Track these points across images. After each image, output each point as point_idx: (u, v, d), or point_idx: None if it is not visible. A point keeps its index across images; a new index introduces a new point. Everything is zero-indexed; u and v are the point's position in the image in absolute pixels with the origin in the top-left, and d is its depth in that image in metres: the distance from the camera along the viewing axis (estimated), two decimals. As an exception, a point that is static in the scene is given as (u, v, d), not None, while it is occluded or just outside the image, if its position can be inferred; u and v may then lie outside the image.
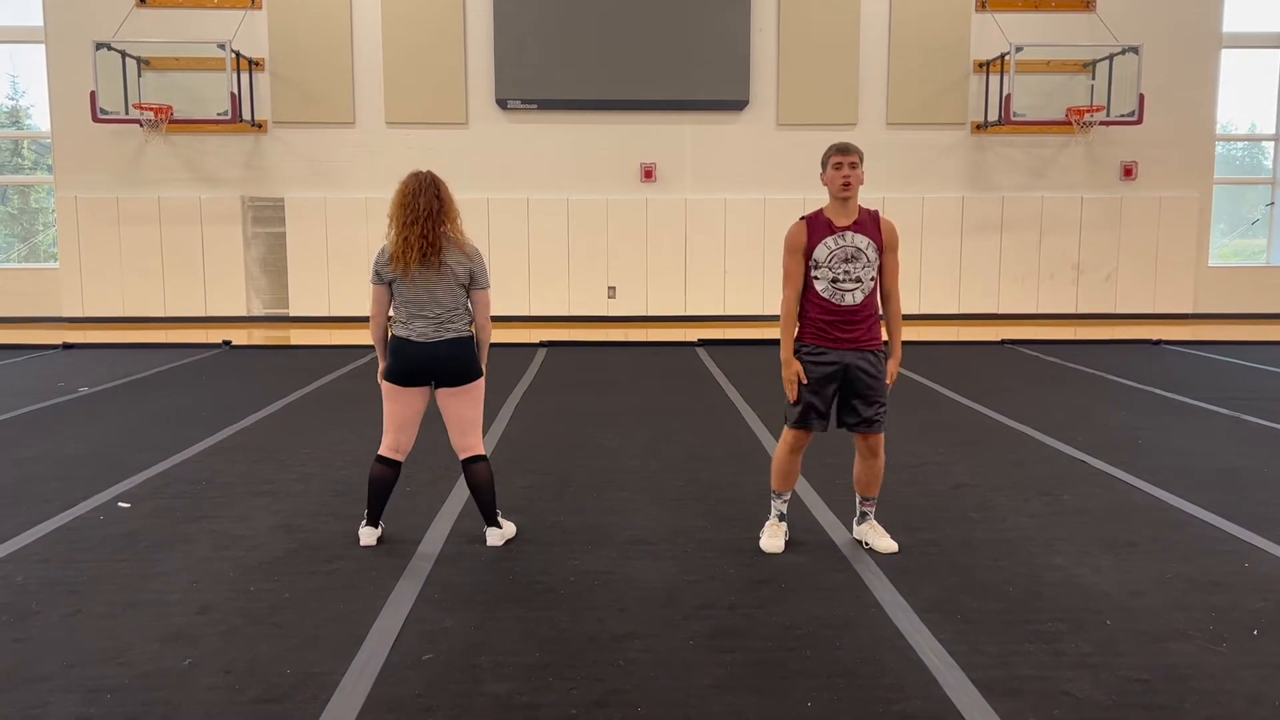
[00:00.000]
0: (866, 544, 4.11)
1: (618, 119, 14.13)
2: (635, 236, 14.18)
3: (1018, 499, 4.88)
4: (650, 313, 14.28)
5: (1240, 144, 16.43)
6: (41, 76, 13.87)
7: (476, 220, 13.21)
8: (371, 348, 10.42)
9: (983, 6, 14.13)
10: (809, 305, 3.95)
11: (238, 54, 13.24)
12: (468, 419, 4.11)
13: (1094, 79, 13.94)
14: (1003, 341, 11.79)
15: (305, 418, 7.13)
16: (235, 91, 13.06)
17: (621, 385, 8.64)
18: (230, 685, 2.88)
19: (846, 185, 3.84)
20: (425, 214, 3.88)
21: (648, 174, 14.20)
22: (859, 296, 3.89)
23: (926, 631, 3.25)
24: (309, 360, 10.24)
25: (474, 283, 4.05)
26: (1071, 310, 14.52)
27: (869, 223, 3.93)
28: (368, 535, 4.17)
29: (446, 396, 4.09)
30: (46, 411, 7.36)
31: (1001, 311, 14.49)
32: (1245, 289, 14.93)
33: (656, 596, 3.57)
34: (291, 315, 14.14)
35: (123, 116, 13.02)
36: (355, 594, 3.61)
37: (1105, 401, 7.75)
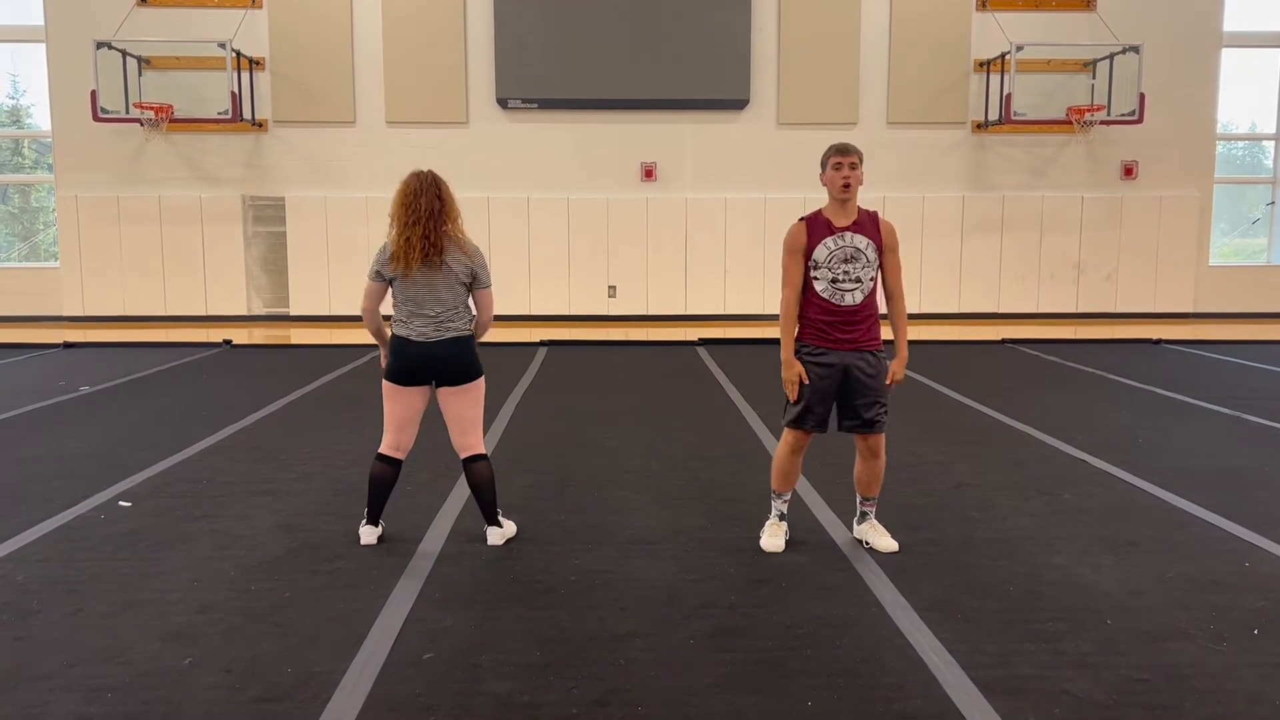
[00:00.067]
0: (867, 543, 4.11)
1: (618, 118, 14.12)
2: (636, 236, 14.18)
3: (1018, 498, 4.88)
4: (651, 312, 14.28)
5: (1241, 143, 16.43)
6: (42, 76, 13.88)
7: (477, 219, 13.22)
8: (372, 347, 10.51)
9: (983, 6, 14.12)
10: (809, 306, 3.95)
11: (238, 53, 13.24)
12: (468, 418, 4.12)
13: (1094, 78, 13.94)
14: (1003, 341, 11.79)
15: (306, 417, 7.13)
16: (236, 91, 13.07)
17: (622, 384, 8.64)
18: (231, 684, 2.89)
19: (846, 186, 3.84)
20: (427, 214, 3.88)
21: (648, 173, 14.20)
22: (859, 297, 3.89)
23: (927, 631, 3.25)
24: (309, 359, 10.25)
25: (476, 282, 4.06)
26: (1072, 310, 14.52)
27: (868, 223, 3.93)
28: (368, 534, 4.18)
29: (447, 396, 4.09)
30: (47, 411, 7.36)
31: (1002, 311, 14.49)
32: (1246, 288, 14.93)
33: (657, 596, 3.58)
34: (292, 314, 14.14)
35: (123, 116, 13.01)
36: (356, 593, 3.61)
37: (1106, 401, 7.75)
